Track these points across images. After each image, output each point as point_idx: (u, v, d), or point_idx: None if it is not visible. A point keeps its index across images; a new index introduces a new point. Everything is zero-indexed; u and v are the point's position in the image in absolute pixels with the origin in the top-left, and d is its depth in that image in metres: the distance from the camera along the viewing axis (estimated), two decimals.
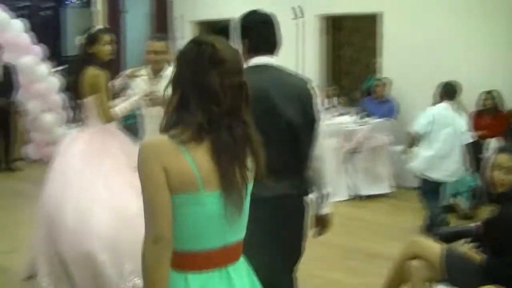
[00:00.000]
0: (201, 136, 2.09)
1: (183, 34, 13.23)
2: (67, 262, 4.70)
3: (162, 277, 2.09)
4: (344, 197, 8.45)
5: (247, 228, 2.30)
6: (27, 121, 11.10)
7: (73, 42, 12.39)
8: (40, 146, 11.21)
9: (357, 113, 9.25)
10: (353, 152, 8.51)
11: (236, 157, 2.15)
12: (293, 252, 3.45)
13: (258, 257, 2.55)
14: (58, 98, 11.05)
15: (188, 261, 2.16)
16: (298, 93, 3.31)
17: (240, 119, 2.16)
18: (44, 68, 10.88)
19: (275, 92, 3.21)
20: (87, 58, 5.03)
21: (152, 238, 2.07)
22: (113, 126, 5.16)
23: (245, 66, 2.79)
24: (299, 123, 3.25)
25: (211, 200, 2.12)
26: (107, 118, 4.97)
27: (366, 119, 8.92)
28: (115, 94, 5.37)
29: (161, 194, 2.06)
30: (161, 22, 13.32)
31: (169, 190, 2.07)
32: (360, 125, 8.73)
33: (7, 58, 10.39)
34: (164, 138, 2.10)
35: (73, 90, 5.07)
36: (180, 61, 2.19)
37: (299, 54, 10.85)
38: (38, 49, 10.97)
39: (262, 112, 2.78)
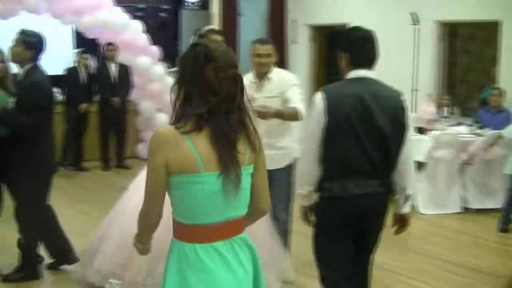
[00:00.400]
0: (200, 126, 2.46)
1: (296, 39, 13.23)
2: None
3: (147, 236, 2.71)
4: (455, 209, 8.18)
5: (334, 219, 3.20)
6: (140, 120, 11.41)
7: (188, 44, 12.72)
8: None
9: (471, 124, 8.93)
10: (467, 163, 8.23)
11: (232, 141, 2.50)
12: (372, 242, 3.89)
13: (341, 246, 3.64)
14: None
15: (195, 234, 2.53)
16: (392, 105, 3.68)
17: (235, 106, 2.52)
18: (160, 68, 11.13)
19: (372, 102, 3.58)
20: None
21: (143, 211, 2.61)
22: None
23: (345, 77, 3.67)
24: (390, 131, 3.63)
25: (210, 179, 2.47)
26: None
27: (480, 130, 8.59)
28: None
29: (159, 183, 2.51)
30: (275, 25, 13.37)
31: (173, 173, 2.48)
32: (475, 136, 8.41)
33: (125, 58, 10.71)
34: (171, 129, 2.49)
35: None
36: (181, 64, 2.58)
37: (415, 59, 10.63)
38: (155, 50, 11.24)
39: (359, 119, 3.53)
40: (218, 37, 5.09)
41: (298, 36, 13.13)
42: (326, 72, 13.80)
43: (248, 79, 5.11)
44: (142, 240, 2.72)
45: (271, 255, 5.03)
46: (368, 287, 4.00)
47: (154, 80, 11.03)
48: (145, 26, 11.15)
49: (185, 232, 2.54)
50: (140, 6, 13.09)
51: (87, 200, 8.43)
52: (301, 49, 13.10)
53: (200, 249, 2.51)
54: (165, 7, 13.47)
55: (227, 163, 2.47)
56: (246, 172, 2.57)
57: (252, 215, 2.69)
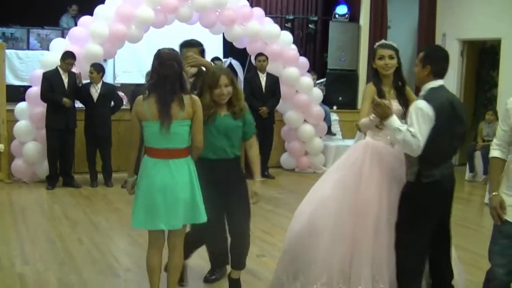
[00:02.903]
0: (150, 93, 4.43)
1: None
2: None
3: (133, 156, 4.67)
4: None
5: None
6: (284, 130, 11.44)
7: (337, 56, 12.67)
8: (296, 156, 11.50)
9: None
10: None
11: (167, 103, 4.35)
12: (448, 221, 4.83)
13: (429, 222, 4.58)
14: (319, 110, 11.28)
15: (149, 152, 4.51)
16: (463, 107, 4.78)
17: (170, 82, 4.36)
18: (308, 80, 11.13)
19: (457, 104, 4.61)
20: (373, 72, 5.05)
21: (131, 140, 4.63)
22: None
23: (426, 86, 4.53)
24: (466, 126, 4.71)
25: (154, 124, 4.39)
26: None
27: None
28: None
29: (135, 124, 4.52)
30: (425, 39, 13.06)
31: (140, 120, 4.46)
32: None
33: (274, 68, 10.79)
34: (140, 97, 4.48)
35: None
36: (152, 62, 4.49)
37: None
38: (303, 61, 11.26)
39: (450, 118, 4.45)
40: (387, 51, 4.95)
41: (448, 49, 12.73)
42: (475, 87, 13.36)
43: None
44: (130, 169, 4.71)
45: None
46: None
47: (301, 91, 11.06)
48: (294, 37, 11.17)
49: (147, 150, 4.52)
50: (290, 17, 13.14)
51: None
52: (451, 63, 12.67)
53: (150, 160, 4.48)
54: (315, 18, 13.46)
55: (162, 116, 4.35)
56: (180, 123, 4.40)
57: (193, 149, 4.54)
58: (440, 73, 4.56)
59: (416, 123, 4.31)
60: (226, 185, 4.84)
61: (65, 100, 9.24)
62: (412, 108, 4.44)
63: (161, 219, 4.44)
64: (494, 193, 4.15)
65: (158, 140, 4.41)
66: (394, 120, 4.44)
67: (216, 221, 4.84)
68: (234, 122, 4.81)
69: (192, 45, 5.31)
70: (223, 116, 4.80)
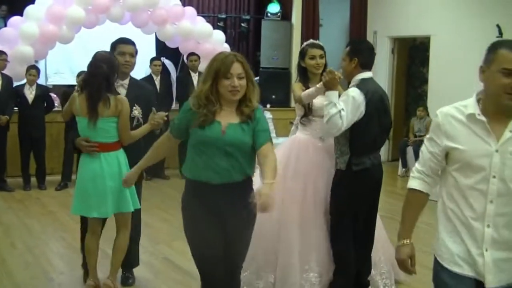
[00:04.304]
0: (82, 90, 4.80)
1: (376, 50, 13.11)
2: None
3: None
4: None
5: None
6: None
7: (269, 54, 12.78)
8: None
9: None
10: None
11: (94, 100, 4.67)
12: None
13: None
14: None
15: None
16: (387, 98, 4.96)
17: (98, 82, 4.67)
18: None
19: (385, 97, 4.86)
20: (302, 71, 5.26)
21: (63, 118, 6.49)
22: None
23: (356, 77, 4.73)
24: (391, 119, 4.99)
25: (83, 119, 4.77)
26: None
27: None
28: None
29: (69, 111, 5.13)
30: (356, 36, 13.28)
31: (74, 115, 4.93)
32: None
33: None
34: (75, 94, 4.88)
35: None
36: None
37: None
38: None
39: (379, 109, 4.71)
40: (317, 51, 5.13)
41: (378, 47, 13.02)
42: (405, 83, 13.68)
43: None
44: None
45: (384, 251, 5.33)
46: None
47: None
48: (227, 36, 11.22)
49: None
50: (222, 16, 13.20)
51: (166, 208, 8.51)
52: (381, 60, 12.98)
53: (84, 153, 4.86)
54: (247, 17, 13.55)
55: (90, 112, 4.68)
56: (107, 120, 4.72)
57: (122, 142, 4.86)
58: (368, 64, 4.80)
59: (345, 108, 4.48)
60: (228, 214, 3.68)
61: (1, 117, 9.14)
62: (344, 94, 4.61)
63: (93, 208, 4.82)
64: (404, 241, 3.02)
65: (87, 135, 4.79)
66: (336, 95, 4.54)
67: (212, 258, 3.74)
68: (244, 135, 3.62)
69: (126, 42, 5.26)
70: (228, 126, 3.60)
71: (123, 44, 5.18)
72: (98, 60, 4.74)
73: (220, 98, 3.61)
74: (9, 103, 9.35)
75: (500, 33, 10.23)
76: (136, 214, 5.19)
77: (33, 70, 9.47)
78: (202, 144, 3.58)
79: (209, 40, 10.92)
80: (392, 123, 5.03)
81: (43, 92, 9.71)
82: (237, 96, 3.58)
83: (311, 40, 5.40)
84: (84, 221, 5.21)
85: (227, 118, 3.61)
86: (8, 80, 9.35)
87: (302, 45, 5.38)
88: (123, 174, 4.65)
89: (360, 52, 4.78)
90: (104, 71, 4.69)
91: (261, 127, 3.62)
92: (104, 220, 5.17)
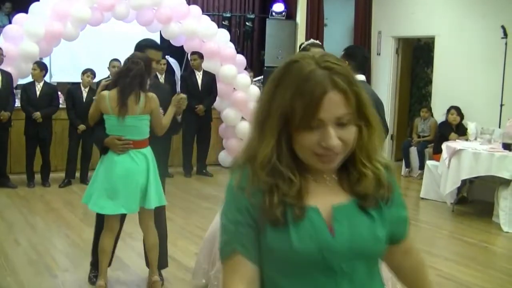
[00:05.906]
0: (114, 86, 4.79)
1: (380, 50, 13.11)
2: None
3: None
4: None
5: None
6: (222, 128, 11.50)
7: (274, 53, 12.79)
8: (234, 153, 11.55)
9: None
10: None
11: (126, 97, 4.71)
12: None
13: None
14: None
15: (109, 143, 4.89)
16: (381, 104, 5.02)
17: (129, 79, 4.71)
18: (245, 77, 11.21)
19: (379, 103, 4.88)
20: None
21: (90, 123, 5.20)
22: None
23: None
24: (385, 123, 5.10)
25: (114, 117, 4.76)
26: None
27: None
28: None
29: (94, 113, 4.92)
30: (361, 36, 13.29)
31: (101, 113, 4.88)
32: None
33: (211, 66, 10.84)
34: (105, 91, 4.85)
35: None
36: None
37: (504, 73, 10.35)
38: (240, 59, 11.34)
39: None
40: (318, 49, 5.12)
41: (383, 47, 13.01)
42: (409, 84, 13.67)
43: None
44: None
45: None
46: None
47: (238, 89, 11.13)
48: (231, 35, 11.22)
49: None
50: (227, 15, 13.21)
51: (169, 207, 8.51)
52: (385, 60, 12.98)
53: (112, 152, 4.85)
54: (252, 16, 13.56)
55: (120, 106, 4.71)
56: (137, 118, 4.78)
57: (157, 134, 4.90)
58: (361, 67, 5.07)
59: None
60: None
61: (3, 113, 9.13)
62: None
63: (121, 204, 4.84)
64: None
65: (117, 132, 4.81)
66: None
67: None
68: (374, 227, 1.77)
69: (158, 48, 5.27)
70: (335, 212, 1.73)
71: (155, 51, 5.17)
72: (137, 57, 4.81)
73: (300, 162, 1.73)
74: (10, 100, 9.35)
75: (505, 34, 10.23)
76: (161, 211, 5.36)
77: (35, 64, 9.46)
78: (289, 264, 1.71)
79: (213, 39, 10.92)
80: (388, 129, 5.24)
81: (51, 90, 9.70)
82: (332, 163, 1.71)
83: (311, 40, 5.41)
84: (100, 220, 5.18)
85: (327, 195, 1.77)
86: (7, 76, 9.33)
87: (303, 45, 5.37)
88: (151, 170, 4.85)
89: (354, 56, 5.06)
90: (141, 67, 4.76)
91: (400, 202, 1.96)
92: (122, 221, 5.20)
